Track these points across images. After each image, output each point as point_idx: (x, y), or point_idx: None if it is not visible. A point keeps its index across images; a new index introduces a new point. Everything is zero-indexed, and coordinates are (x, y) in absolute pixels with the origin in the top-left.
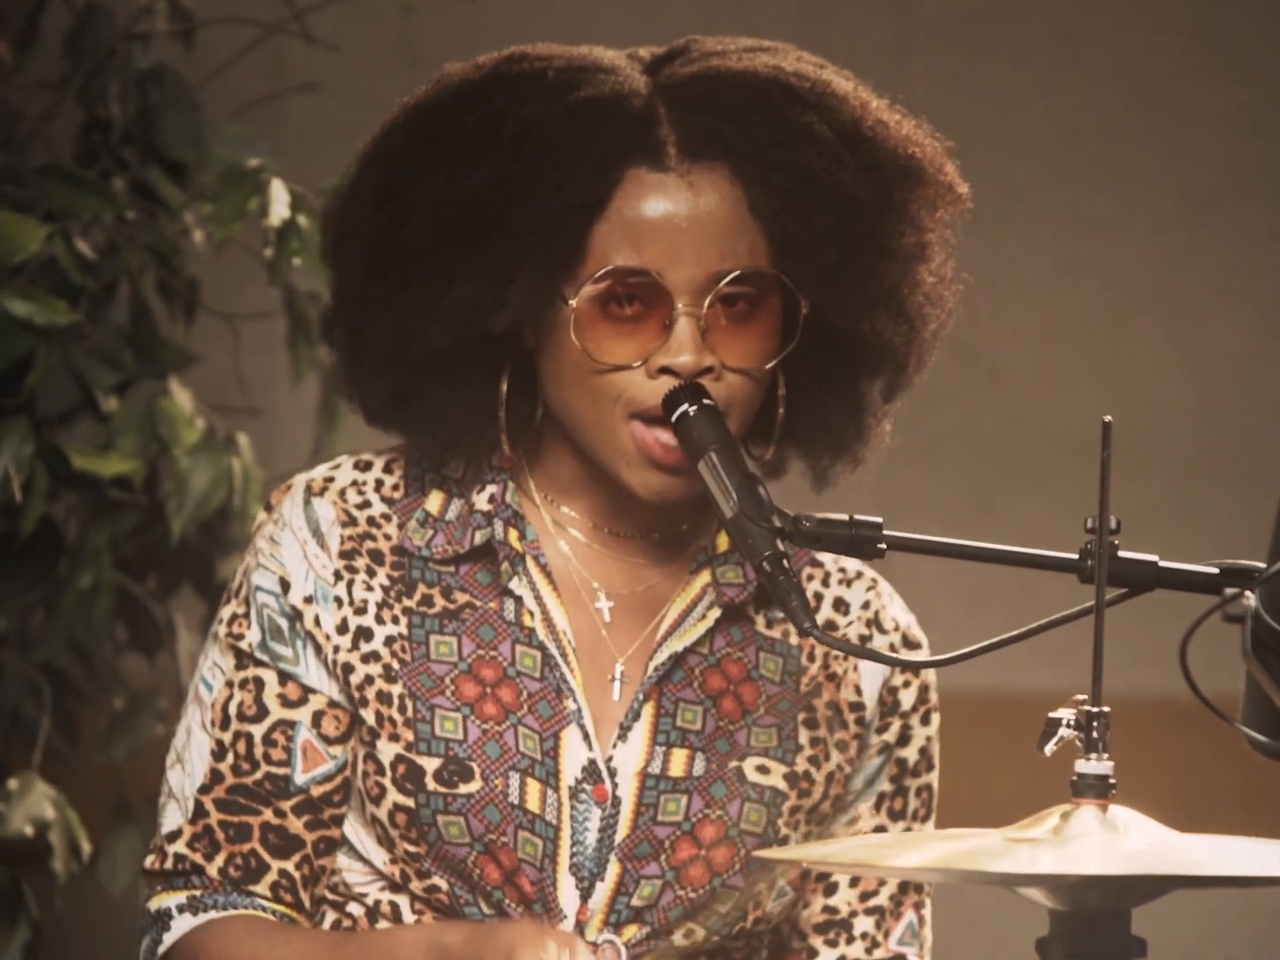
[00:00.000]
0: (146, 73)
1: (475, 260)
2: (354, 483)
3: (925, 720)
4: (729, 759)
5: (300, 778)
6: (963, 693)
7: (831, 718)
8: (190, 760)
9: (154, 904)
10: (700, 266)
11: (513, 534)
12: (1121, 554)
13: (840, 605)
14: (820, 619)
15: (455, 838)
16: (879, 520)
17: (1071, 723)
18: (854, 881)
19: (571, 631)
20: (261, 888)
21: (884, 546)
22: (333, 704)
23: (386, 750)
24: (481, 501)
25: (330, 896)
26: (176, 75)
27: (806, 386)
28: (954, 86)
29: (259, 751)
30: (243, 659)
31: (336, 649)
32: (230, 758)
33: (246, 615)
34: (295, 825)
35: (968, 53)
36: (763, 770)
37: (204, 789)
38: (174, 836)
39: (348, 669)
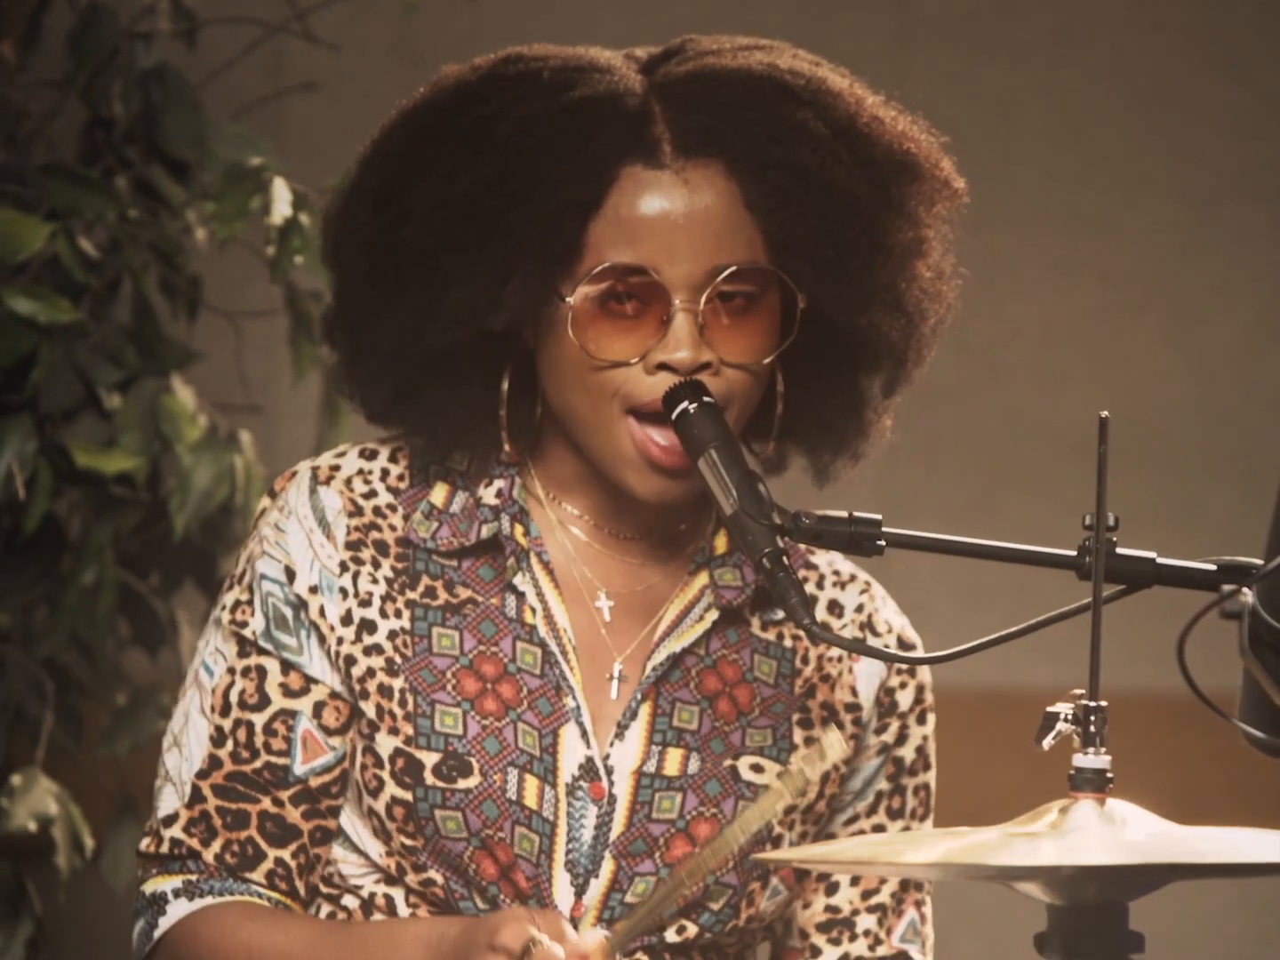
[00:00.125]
0: (149, 72)
1: (472, 260)
2: (360, 471)
3: (922, 720)
4: (723, 759)
5: (299, 768)
6: (961, 689)
7: (827, 718)
8: (188, 744)
9: (149, 887)
10: (697, 262)
11: (518, 529)
12: (1119, 551)
13: (834, 608)
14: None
15: (452, 832)
16: (878, 517)
17: (1069, 717)
18: (855, 880)
19: (572, 629)
20: (257, 875)
21: (883, 543)
22: (334, 695)
23: (386, 744)
24: (489, 496)
25: (325, 889)
26: (179, 74)
27: (806, 382)
28: (953, 86)
29: (259, 740)
30: (245, 646)
31: (340, 640)
32: (230, 745)
33: (250, 603)
34: (293, 815)
35: (967, 52)
36: (757, 769)
37: (201, 774)
38: (170, 820)
39: (350, 661)
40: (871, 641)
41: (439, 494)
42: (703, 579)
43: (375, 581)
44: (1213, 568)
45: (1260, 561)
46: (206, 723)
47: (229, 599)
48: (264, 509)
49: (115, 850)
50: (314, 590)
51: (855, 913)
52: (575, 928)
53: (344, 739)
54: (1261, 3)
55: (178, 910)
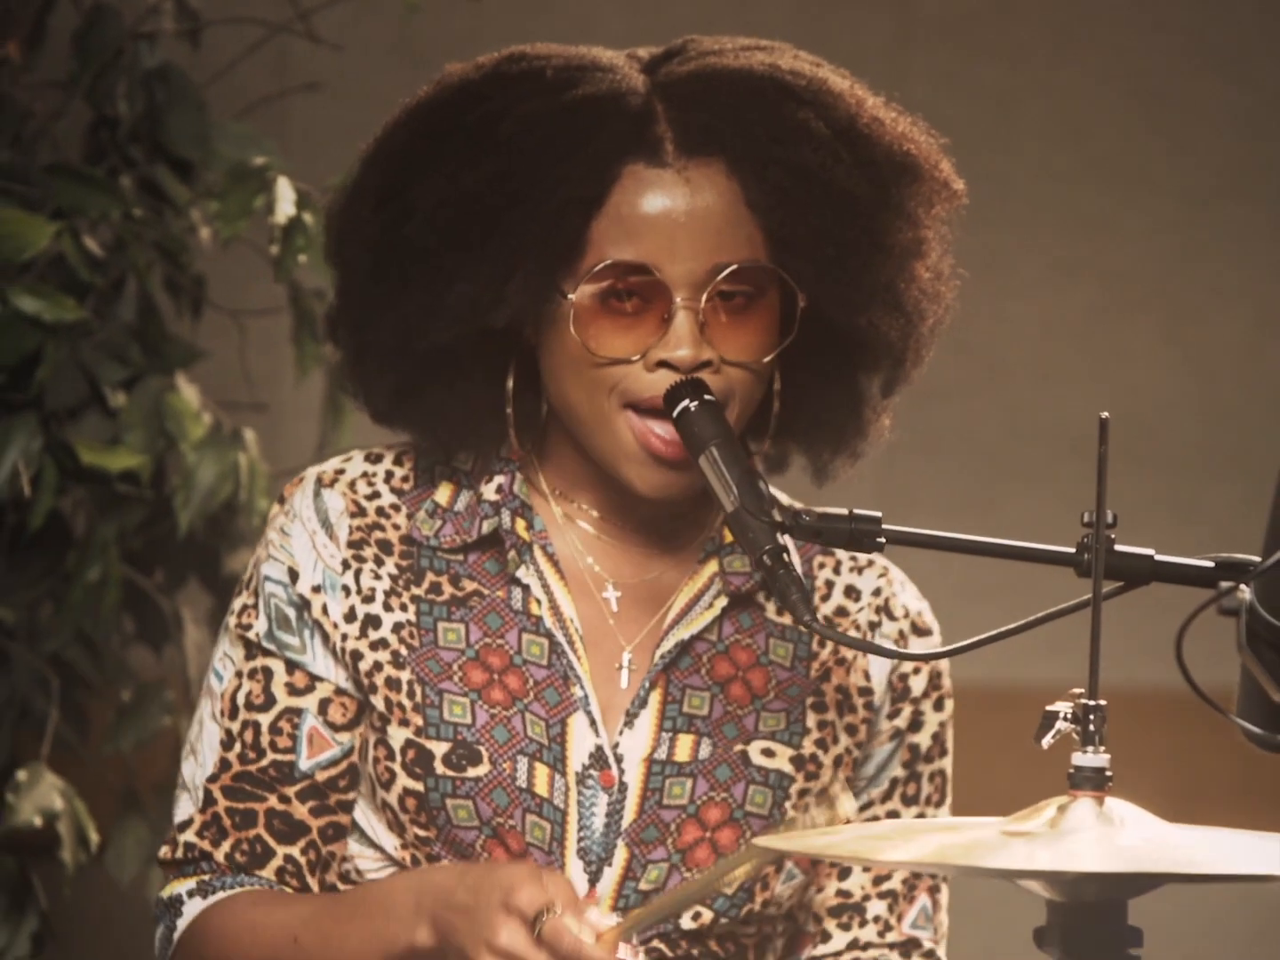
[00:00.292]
0: (153, 72)
1: (475, 258)
2: (364, 474)
3: (938, 706)
4: (736, 742)
5: (305, 763)
6: (961, 685)
7: (841, 701)
8: (201, 751)
9: (166, 892)
10: (698, 260)
11: (520, 523)
12: (1118, 548)
13: (851, 592)
14: (831, 606)
15: (464, 821)
16: (878, 514)
17: (1069, 716)
18: (866, 868)
19: (579, 620)
20: (267, 872)
21: (883, 540)
22: (339, 691)
23: (396, 735)
24: (489, 492)
25: (342, 886)
26: (183, 74)
27: (805, 382)
28: (953, 86)
29: (265, 739)
30: (251, 649)
31: (344, 636)
32: (238, 746)
33: (255, 606)
34: (300, 811)
35: (967, 52)
36: (768, 754)
37: (212, 778)
38: (185, 826)
39: (356, 656)
40: (886, 625)
41: (443, 493)
42: (712, 567)
43: (378, 578)
44: (1210, 565)
45: (1258, 558)
46: (217, 727)
47: (237, 604)
48: (273, 515)
49: (120, 845)
50: (317, 589)
51: (866, 898)
52: None
53: (351, 734)
54: (1261, 3)
55: (193, 909)
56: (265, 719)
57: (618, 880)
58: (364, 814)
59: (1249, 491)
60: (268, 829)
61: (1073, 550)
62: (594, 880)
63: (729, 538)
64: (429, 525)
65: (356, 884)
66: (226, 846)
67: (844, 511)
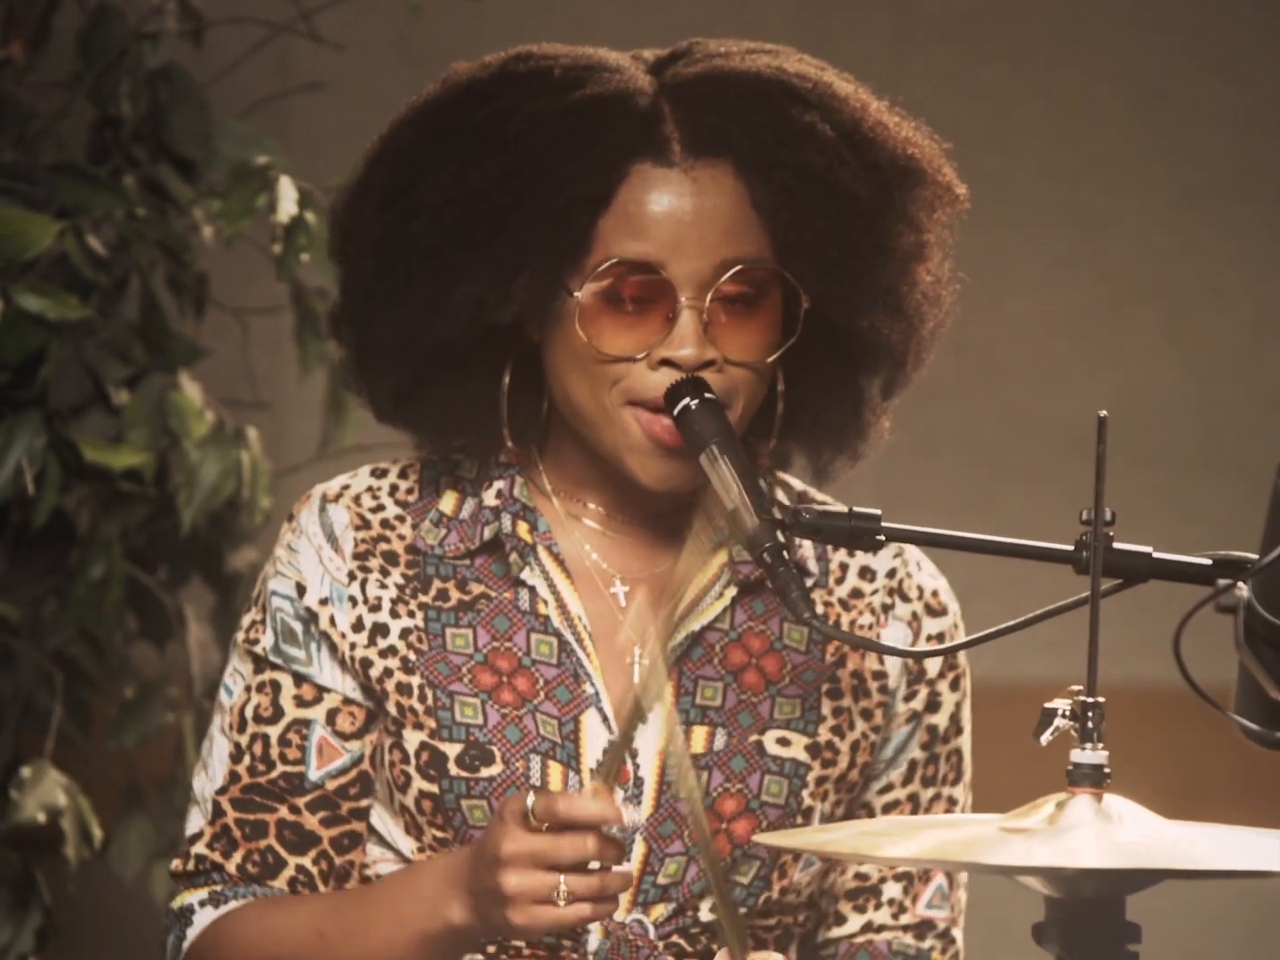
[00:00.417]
0: (157, 72)
1: (481, 256)
2: (369, 488)
3: (954, 686)
4: (751, 732)
5: (314, 773)
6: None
7: (856, 686)
8: (211, 765)
9: (177, 902)
10: (703, 260)
11: (522, 526)
12: (1116, 545)
13: (866, 573)
14: (846, 588)
15: (479, 821)
16: (878, 512)
17: (1067, 713)
18: None
19: (587, 617)
20: (279, 883)
21: (883, 538)
22: (347, 701)
23: (411, 739)
24: (489, 498)
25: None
26: (186, 74)
27: (806, 383)
28: (952, 86)
29: (275, 751)
30: (259, 663)
31: (353, 646)
32: (247, 759)
33: (262, 621)
34: (311, 822)
35: (966, 52)
36: (783, 743)
37: (221, 790)
38: (195, 838)
39: (366, 664)
40: (900, 606)
41: (448, 502)
42: (721, 557)
43: (384, 587)
44: (1208, 562)
45: (1255, 556)
46: (226, 741)
47: (245, 621)
48: (282, 533)
49: (123, 841)
50: (324, 602)
51: (883, 880)
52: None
53: (360, 742)
54: (1259, 4)
55: (204, 919)
56: (274, 731)
57: (636, 875)
58: (381, 819)
59: (1247, 489)
60: (279, 839)
61: (1071, 548)
62: None
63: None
64: (434, 535)
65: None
66: (238, 857)
67: (844, 509)
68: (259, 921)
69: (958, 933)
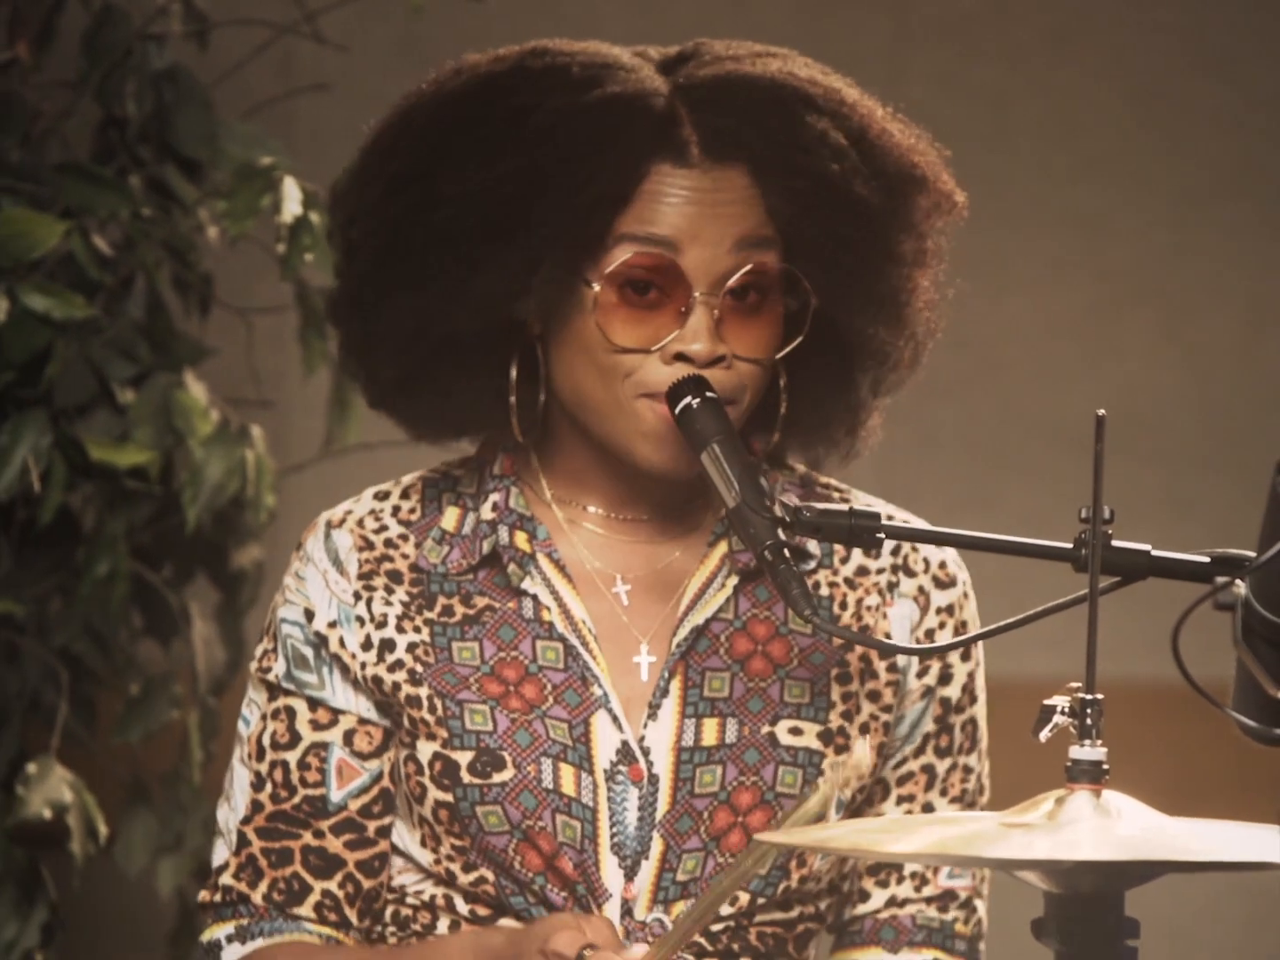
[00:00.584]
0: (162, 72)
1: (503, 247)
2: (371, 511)
3: (966, 656)
4: (763, 718)
5: (336, 795)
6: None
7: (863, 669)
8: (234, 795)
9: (205, 936)
10: (718, 258)
11: (520, 536)
12: (1115, 543)
13: (871, 550)
14: (851, 567)
15: (495, 827)
16: (878, 510)
17: (1066, 710)
18: None
19: (591, 620)
20: (305, 909)
21: (882, 536)
22: (363, 721)
23: (425, 749)
24: (486, 511)
25: (389, 896)
26: (191, 75)
27: (805, 382)
28: (950, 86)
29: (295, 777)
30: (273, 691)
31: (363, 665)
32: (269, 787)
33: (274, 650)
34: (335, 845)
35: (964, 53)
36: (795, 732)
37: (245, 820)
38: (222, 870)
39: (378, 681)
40: (905, 583)
41: (450, 519)
42: (722, 549)
43: (390, 604)
44: (1206, 560)
45: (1253, 554)
46: (247, 771)
47: (258, 651)
48: (290, 561)
49: (128, 837)
50: (333, 625)
51: None
52: (630, 912)
53: (379, 760)
54: (1253, 5)
55: (231, 955)
56: (293, 756)
57: (655, 873)
58: (400, 833)
59: (1245, 487)
60: (304, 865)
61: (1070, 545)
62: (630, 875)
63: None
64: (436, 553)
65: (405, 918)
66: (264, 887)
67: (844, 507)
68: None
69: (980, 903)
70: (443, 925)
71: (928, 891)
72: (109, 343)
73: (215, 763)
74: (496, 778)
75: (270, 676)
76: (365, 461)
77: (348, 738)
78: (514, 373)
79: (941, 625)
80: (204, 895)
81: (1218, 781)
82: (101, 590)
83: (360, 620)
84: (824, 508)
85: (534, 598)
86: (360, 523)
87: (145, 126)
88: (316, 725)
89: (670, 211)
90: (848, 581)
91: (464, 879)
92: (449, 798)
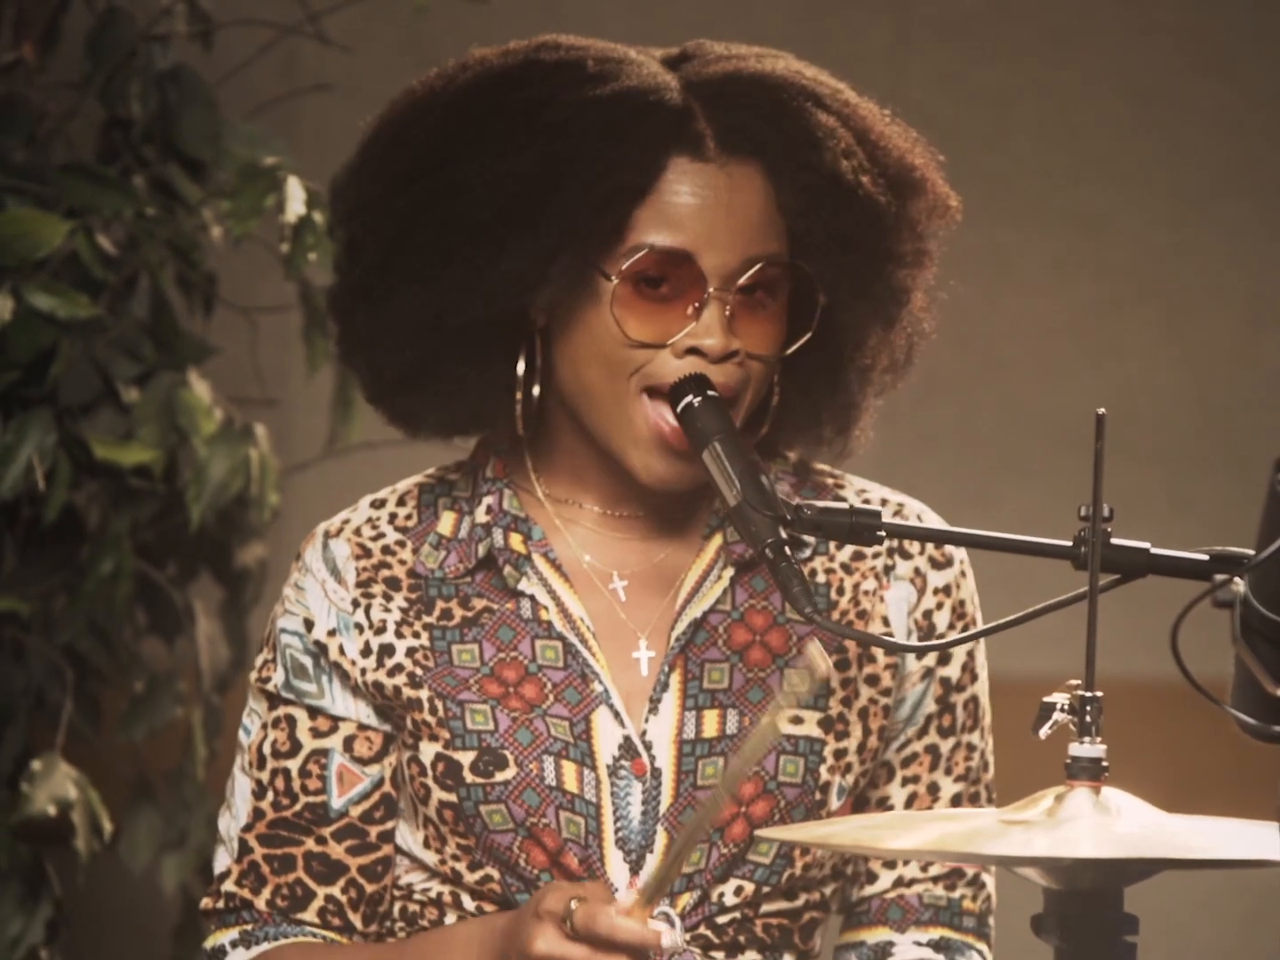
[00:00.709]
0: (166, 73)
1: (523, 236)
2: (368, 519)
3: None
4: (763, 708)
5: (337, 801)
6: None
7: (861, 654)
8: (235, 803)
9: (209, 942)
10: (733, 254)
11: (515, 538)
12: (1114, 541)
13: None
14: (847, 551)
15: (499, 825)
16: (878, 508)
17: (1066, 707)
18: (910, 802)
19: (589, 617)
20: (309, 915)
21: (883, 534)
22: (362, 727)
23: (427, 751)
24: (480, 514)
25: (396, 893)
26: (195, 75)
27: (797, 379)
28: (951, 86)
29: (296, 784)
30: (273, 701)
31: (363, 671)
32: (270, 795)
33: (273, 660)
34: (337, 851)
35: (964, 53)
36: (796, 720)
37: (247, 828)
38: (224, 877)
39: (378, 687)
40: (901, 565)
41: (446, 524)
42: (717, 541)
43: (388, 610)
44: (1205, 557)
45: (1252, 551)
46: (248, 779)
47: (258, 661)
48: (290, 572)
49: (133, 834)
50: (332, 633)
51: None
52: None
53: (379, 766)
54: (1252, 6)
55: (236, 959)
56: (294, 764)
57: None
58: (404, 835)
59: (1244, 485)
60: (306, 871)
61: (1070, 543)
62: (636, 869)
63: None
64: (433, 558)
65: (413, 914)
66: (266, 893)
67: (845, 505)
68: None
69: (988, 878)
70: (450, 921)
71: (934, 870)
72: (113, 342)
73: (219, 760)
74: (499, 776)
75: (270, 686)
76: (368, 460)
77: (348, 744)
78: (521, 366)
79: (939, 605)
80: (206, 902)
81: (1216, 778)
82: (106, 588)
83: (359, 627)
84: (825, 505)
85: (531, 598)
86: (357, 531)
87: (150, 127)
88: (316, 733)
89: (689, 215)
90: (844, 567)
91: (470, 878)
92: (453, 798)
